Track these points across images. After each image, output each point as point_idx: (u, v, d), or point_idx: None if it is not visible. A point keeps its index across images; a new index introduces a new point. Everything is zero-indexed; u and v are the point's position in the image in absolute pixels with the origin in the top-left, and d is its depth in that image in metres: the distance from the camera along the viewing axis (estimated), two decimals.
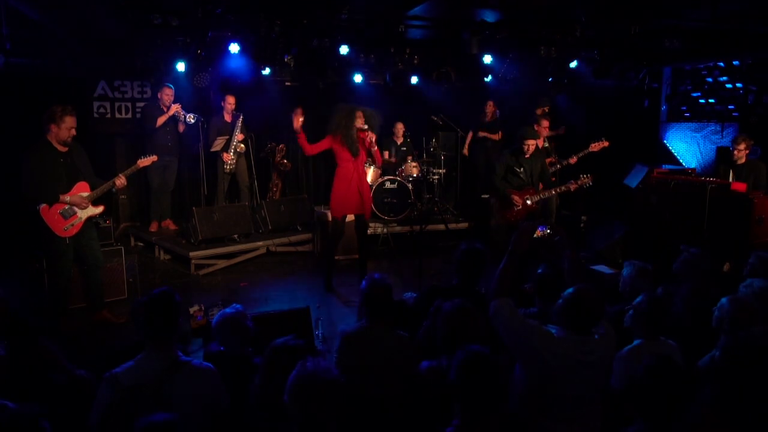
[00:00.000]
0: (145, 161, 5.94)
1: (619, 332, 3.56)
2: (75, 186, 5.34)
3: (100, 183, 5.45)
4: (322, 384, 2.12)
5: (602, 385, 3.00)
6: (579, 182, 6.54)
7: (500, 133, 9.92)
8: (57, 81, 8.21)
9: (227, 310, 3.37)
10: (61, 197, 5.21)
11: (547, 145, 8.40)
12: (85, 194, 5.36)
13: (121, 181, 5.51)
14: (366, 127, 6.41)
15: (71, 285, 5.90)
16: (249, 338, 3.36)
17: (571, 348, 2.83)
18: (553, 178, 8.00)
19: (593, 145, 7.66)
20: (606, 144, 7.55)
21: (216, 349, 3.34)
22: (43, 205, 5.17)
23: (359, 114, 6.44)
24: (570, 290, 2.93)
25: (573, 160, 8.09)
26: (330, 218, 6.94)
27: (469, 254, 3.97)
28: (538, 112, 9.34)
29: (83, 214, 5.37)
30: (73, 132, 5.21)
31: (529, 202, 6.40)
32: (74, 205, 5.26)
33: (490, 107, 9.93)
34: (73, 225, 5.30)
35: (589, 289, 2.91)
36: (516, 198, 6.33)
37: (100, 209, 5.52)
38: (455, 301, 3.11)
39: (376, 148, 6.61)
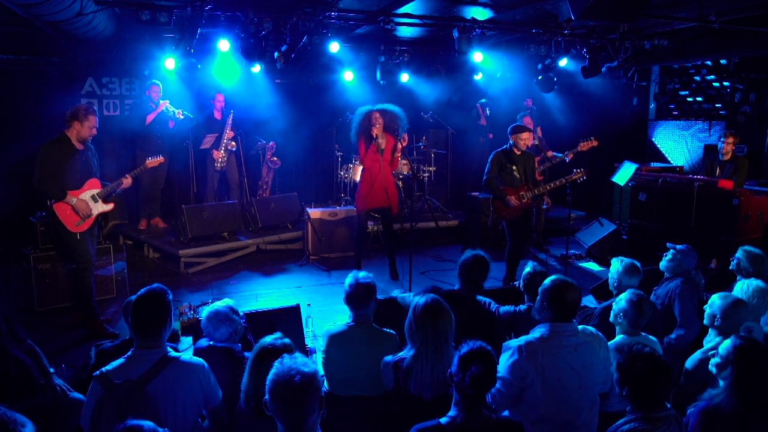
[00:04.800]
0: (153, 162, 5.93)
1: (607, 327, 3.62)
2: (87, 182, 5.33)
3: (105, 184, 5.45)
4: (300, 378, 2.12)
5: (594, 380, 3.03)
6: (573, 177, 6.54)
7: (490, 134, 9.98)
8: (45, 77, 8.14)
9: (217, 303, 3.34)
10: (68, 196, 5.16)
11: (537, 143, 8.41)
12: (96, 191, 5.35)
13: (127, 181, 5.52)
14: (379, 128, 6.71)
15: (57, 283, 5.86)
16: (239, 333, 3.33)
17: (557, 339, 2.94)
18: (541, 177, 8.01)
19: (582, 144, 7.67)
20: (595, 143, 7.56)
21: (206, 344, 3.29)
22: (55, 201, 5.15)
23: (375, 115, 6.70)
24: (546, 282, 3.11)
25: (571, 156, 7.98)
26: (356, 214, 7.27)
27: (472, 262, 3.99)
28: (528, 103, 9.39)
29: (95, 211, 5.35)
30: (95, 131, 5.26)
31: (524, 199, 6.43)
32: (78, 209, 5.19)
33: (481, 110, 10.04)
34: (84, 221, 5.26)
35: (563, 278, 3.11)
36: (511, 196, 6.37)
37: (110, 206, 5.51)
38: (429, 296, 3.11)
39: (398, 154, 6.96)
